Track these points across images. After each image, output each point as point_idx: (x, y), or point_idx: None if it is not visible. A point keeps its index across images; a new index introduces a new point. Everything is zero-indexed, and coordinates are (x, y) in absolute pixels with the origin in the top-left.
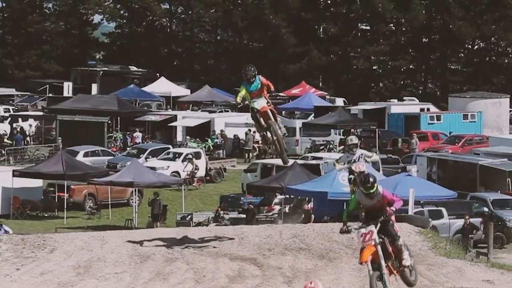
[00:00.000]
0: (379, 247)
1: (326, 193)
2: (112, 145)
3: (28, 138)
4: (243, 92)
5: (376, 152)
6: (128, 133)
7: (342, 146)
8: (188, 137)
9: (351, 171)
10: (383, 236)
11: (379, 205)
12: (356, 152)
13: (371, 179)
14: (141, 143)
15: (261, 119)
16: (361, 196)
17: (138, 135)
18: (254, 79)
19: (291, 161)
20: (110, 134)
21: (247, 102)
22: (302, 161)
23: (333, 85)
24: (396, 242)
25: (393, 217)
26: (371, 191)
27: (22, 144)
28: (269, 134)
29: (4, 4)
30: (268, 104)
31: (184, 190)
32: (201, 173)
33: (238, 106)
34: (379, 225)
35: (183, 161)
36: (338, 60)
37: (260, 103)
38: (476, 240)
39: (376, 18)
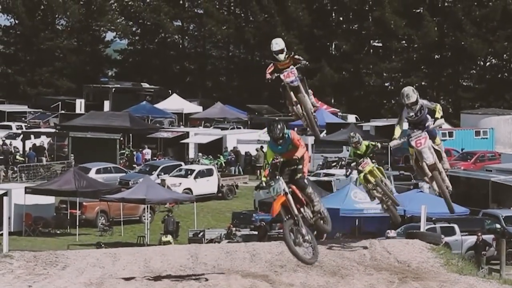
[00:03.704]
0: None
1: (338, 209)
2: (124, 161)
3: (45, 155)
4: (270, 158)
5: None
6: (140, 149)
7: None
8: (200, 153)
9: (409, 145)
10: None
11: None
12: (417, 107)
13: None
14: (151, 160)
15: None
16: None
17: (147, 151)
18: (282, 140)
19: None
20: (122, 151)
21: (263, 179)
22: (314, 177)
23: (345, 101)
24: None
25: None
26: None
27: (34, 161)
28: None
29: (16, 21)
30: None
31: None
32: (213, 189)
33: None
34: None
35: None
36: (350, 77)
37: (277, 188)
38: (488, 256)
39: (388, 35)
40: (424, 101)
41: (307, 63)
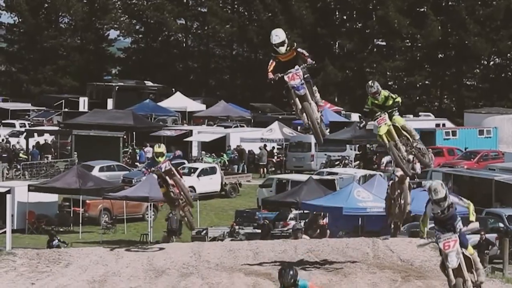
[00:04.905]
0: None
1: (341, 208)
2: (127, 159)
3: (51, 152)
4: None
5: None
6: (143, 148)
7: (358, 161)
8: (203, 152)
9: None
10: None
11: None
12: (445, 204)
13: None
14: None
15: None
16: None
17: (149, 149)
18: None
19: (307, 176)
20: (126, 149)
21: None
22: (318, 176)
23: (348, 100)
24: None
25: None
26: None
27: (38, 159)
28: None
29: (20, 20)
30: None
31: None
32: (216, 188)
33: None
34: None
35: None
36: (353, 76)
37: None
38: (491, 255)
39: (391, 34)
40: (455, 199)
41: (314, 62)
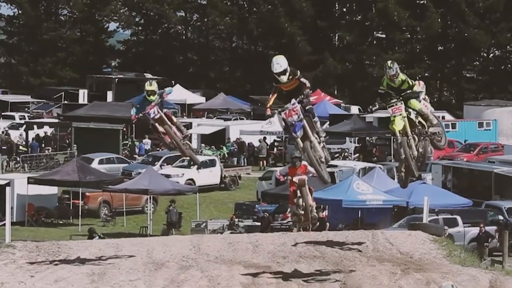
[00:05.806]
0: None
1: (340, 201)
2: (126, 151)
3: (52, 144)
4: None
5: None
6: (143, 140)
7: (358, 154)
8: (203, 144)
9: None
10: None
11: None
12: None
13: None
14: (150, 150)
15: None
16: None
17: (147, 141)
18: None
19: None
20: (125, 142)
21: None
22: None
23: (348, 93)
24: None
25: None
26: None
27: (37, 151)
28: None
29: (19, 11)
30: None
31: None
32: (216, 180)
33: None
34: None
35: None
36: (353, 68)
37: None
38: (491, 248)
39: (391, 26)
40: None
41: (310, 91)
